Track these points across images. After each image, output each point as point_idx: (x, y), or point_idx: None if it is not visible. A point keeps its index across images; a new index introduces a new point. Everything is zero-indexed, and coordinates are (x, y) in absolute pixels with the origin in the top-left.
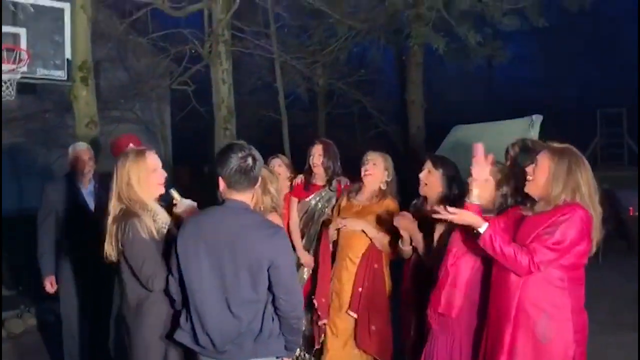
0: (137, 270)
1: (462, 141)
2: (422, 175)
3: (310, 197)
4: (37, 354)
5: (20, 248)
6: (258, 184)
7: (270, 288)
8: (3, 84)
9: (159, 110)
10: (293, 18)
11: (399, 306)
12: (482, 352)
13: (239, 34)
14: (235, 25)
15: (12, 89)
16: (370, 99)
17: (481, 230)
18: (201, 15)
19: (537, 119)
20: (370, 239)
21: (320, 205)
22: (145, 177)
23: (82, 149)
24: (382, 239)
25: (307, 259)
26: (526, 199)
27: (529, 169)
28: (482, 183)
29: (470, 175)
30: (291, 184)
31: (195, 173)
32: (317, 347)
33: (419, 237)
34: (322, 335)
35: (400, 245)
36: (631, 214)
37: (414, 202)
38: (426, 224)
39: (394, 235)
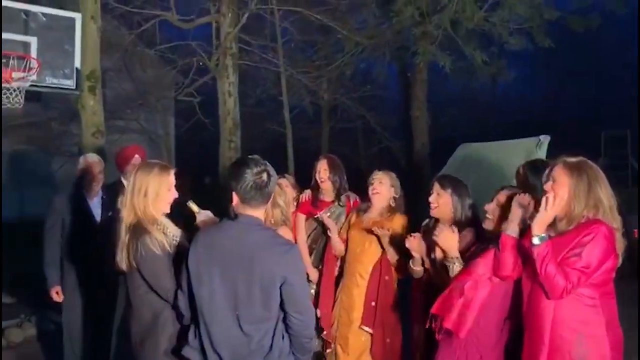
0: (156, 286)
1: (468, 159)
2: (431, 199)
3: (319, 214)
4: None
5: (21, 256)
6: (271, 199)
7: (282, 305)
8: (13, 91)
9: (164, 121)
10: (300, 33)
11: (408, 318)
12: None
13: (246, 47)
14: (243, 38)
15: (21, 97)
16: (374, 114)
17: (537, 241)
18: (209, 28)
19: (545, 139)
20: (382, 251)
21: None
22: (163, 194)
23: (94, 160)
24: (394, 255)
25: (315, 275)
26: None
27: (547, 187)
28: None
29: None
30: (297, 200)
31: (196, 184)
32: None
33: (428, 259)
34: (327, 350)
35: (411, 265)
36: (636, 236)
37: (426, 222)
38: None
39: (404, 254)
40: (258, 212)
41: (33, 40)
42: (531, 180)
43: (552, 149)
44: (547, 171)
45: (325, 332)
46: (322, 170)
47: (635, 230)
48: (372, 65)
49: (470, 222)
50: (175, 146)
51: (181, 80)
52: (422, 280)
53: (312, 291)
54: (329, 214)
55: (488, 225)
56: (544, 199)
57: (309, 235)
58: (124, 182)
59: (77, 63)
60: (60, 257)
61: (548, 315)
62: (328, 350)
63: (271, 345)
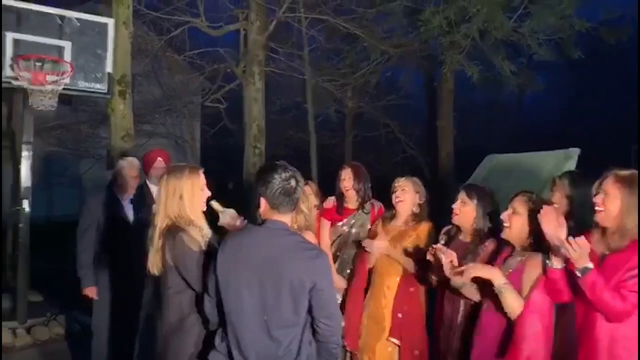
0: (195, 283)
1: (496, 170)
2: (455, 206)
3: (343, 222)
4: None
5: (49, 255)
6: (298, 205)
7: (310, 311)
8: (47, 94)
9: (190, 127)
10: (326, 41)
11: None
12: None
13: (272, 55)
14: (270, 46)
15: (54, 100)
16: (398, 123)
17: (580, 274)
18: (237, 35)
19: (574, 152)
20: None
21: (354, 230)
22: (197, 194)
23: (133, 165)
24: (409, 263)
25: (340, 283)
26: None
27: (597, 199)
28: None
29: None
30: (320, 207)
31: (219, 189)
32: None
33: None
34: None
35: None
36: None
37: (447, 228)
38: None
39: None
40: (286, 218)
41: (67, 45)
42: (569, 191)
43: (580, 162)
44: (596, 184)
45: (347, 343)
46: (347, 179)
47: None
48: (398, 74)
49: (491, 233)
50: (200, 151)
51: (208, 87)
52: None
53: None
54: (352, 222)
55: (505, 234)
56: (569, 245)
57: (332, 242)
58: (149, 184)
59: (109, 67)
60: (94, 258)
61: (605, 334)
62: None
63: (299, 350)
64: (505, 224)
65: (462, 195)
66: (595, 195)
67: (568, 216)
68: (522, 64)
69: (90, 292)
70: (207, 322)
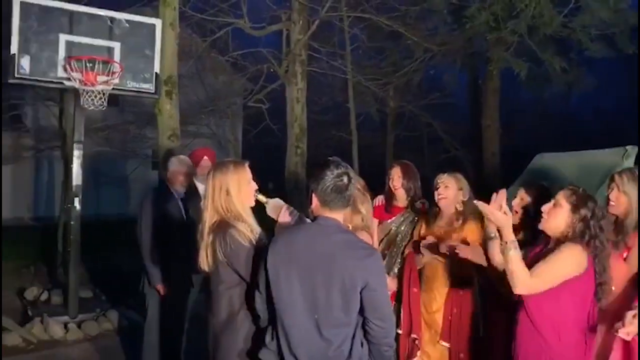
0: (247, 276)
1: (546, 169)
2: (515, 203)
3: (392, 220)
4: (114, 357)
5: (98, 252)
6: (351, 203)
7: (361, 311)
8: (97, 94)
9: (233, 127)
10: (369, 39)
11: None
12: None
13: (314, 54)
14: (312, 45)
15: (104, 100)
16: (441, 123)
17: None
18: (279, 36)
19: (633, 150)
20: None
21: (403, 228)
22: (244, 188)
23: (184, 163)
24: (483, 260)
25: (389, 282)
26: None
27: None
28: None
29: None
30: None
31: (261, 189)
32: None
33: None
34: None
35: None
36: None
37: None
38: None
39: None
40: (337, 215)
41: (116, 46)
42: (628, 187)
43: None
44: None
45: (414, 336)
46: (396, 177)
47: None
48: (442, 73)
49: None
50: (242, 151)
51: (250, 87)
52: (502, 296)
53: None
54: (401, 220)
55: (542, 225)
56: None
57: (380, 241)
58: (196, 182)
59: (156, 68)
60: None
61: None
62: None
63: (350, 351)
64: (544, 216)
65: (521, 193)
66: None
67: (627, 213)
68: (571, 60)
69: (161, 288)
70: (257, 318)
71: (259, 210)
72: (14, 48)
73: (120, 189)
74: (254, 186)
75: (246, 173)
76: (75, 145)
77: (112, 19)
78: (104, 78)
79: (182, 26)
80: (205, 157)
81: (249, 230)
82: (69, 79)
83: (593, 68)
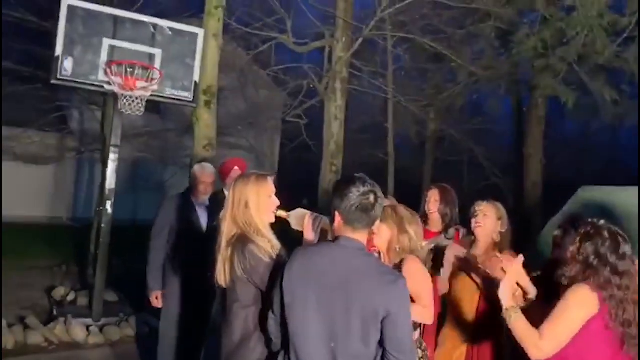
0: (267, 291)
1: (592, 204)
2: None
3: (424, 244)
4: None
5: (131, 257)
6: (377, 224)
7: (381, 342)
8: (135, 99)
9: (270, 141)
10: (412, 60)
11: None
12: None
13: (356, 73)
14: (354, 64)
15: (142, 106)
16: (482, 149)
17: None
18: (321, 52)
19: None
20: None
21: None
22: (263, 202)
23: (209, 172)
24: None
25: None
26: None
27: None
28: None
29: None
30: None
31: (294, 205)
32: None
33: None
34: None
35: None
36: None
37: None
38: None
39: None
40: (361, 236)
41: (158, 53)
42: None
43: None
44: None
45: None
46: (433, 201)
47: None
48: (485, 98)
49: None
50: (278, 165)
51: (290, 102)
52: None
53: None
54: (432, 245)
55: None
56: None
57: None
58: (226, 193)
59: (196, 77)
60: (164, 263)
61: None
62: None
63: None
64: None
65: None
66: None
67: None
68: (622, 92)
69: (155, 296)
70: (270, 341)
71: (282, 225)
72: (58, 50)
73: (157, 195)
74: (276, 202)
75: (267, 186)
76: (111, 149)
77: (155, 26)
78: (143, 84)
79: (227, 39)
80: (236, 168)
81: (269, 245)
82: (109, 83)
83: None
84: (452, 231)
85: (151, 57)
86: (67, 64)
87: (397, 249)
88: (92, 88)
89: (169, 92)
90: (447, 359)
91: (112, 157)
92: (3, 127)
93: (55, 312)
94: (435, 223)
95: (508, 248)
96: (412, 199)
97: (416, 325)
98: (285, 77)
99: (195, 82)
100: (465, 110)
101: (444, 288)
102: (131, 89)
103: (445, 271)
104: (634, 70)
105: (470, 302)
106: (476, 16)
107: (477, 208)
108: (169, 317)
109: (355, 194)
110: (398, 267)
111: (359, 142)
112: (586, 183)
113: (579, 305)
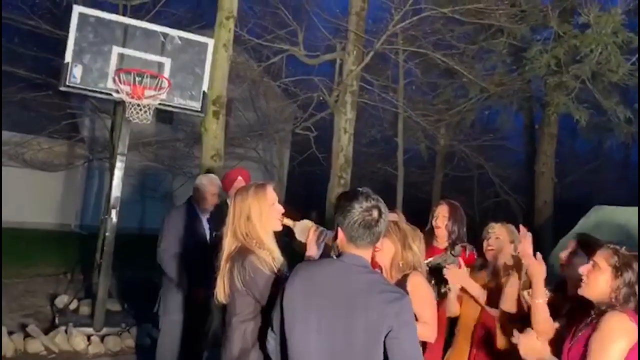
0: (266, 304)
1: (604, 223)
2: (562, 255)
3: (428, 260)
4: None
5: (138, 266)
6: (380, 240)
7: None
8: (142, 108)
9: (280, 152)
10: (423, 75)
11: None
12: None
13: (366, 86)
14: (365, 77)
15: (149, 114)
16: (493, 165)
17: None
18: (332, 65)
19: None
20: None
21: (440, 261)
22: (266, 212)
23: (212, 182)
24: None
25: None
26: None
27: None
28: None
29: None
30: None
31: (303, 217)
32: None
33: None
34: None
35: None
36: None
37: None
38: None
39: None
40: (364, 253)
41: (167, 62)
42: None
43: None
44: None
45: None
46: (441, 217)
47: None
48: (496, 114)
49: None
50: (287, 177)
51: (300, 114)
52: None
53: None
54: (438, 262)
55: (583, 291)
56: None
57: None
58: (229, 203)
59: (205, 87)
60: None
61: None
62: None
63: None
64: (583, 279)
65: (572, 245)
66: None
67: None
68: (636, 110)
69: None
70: (268, 359)
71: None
72: (68, 57)
73: (165, 204)
74: (279, 209)
75: (268, 196)
76: (118, 157)
77: (165, 35)
78: (152, 92)
79: (239, 50)
80: (240, 178)
81: (270, 257)
82: (117, 91)
83: None
84: (458, 249)
85: (160, 66)
86: (76, 71)
87: (400, 265)
88: (101, 96)
89: (177, 101)
90: None
91: (119, 165)
92: (13, 133)
93: (57, 321)
94: (442, 239)
95: (518, 269)
96: (421, 214)
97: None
98: (296, 90)
99: (204, 92)
100: (476, 126)
101: (454, 310)
102: (139, 98)
103: (454, 293)
104: None
105: (473, 322)
106: (489, 32)
107: (489, 230)
108: (167, 330)
109: (357, 209)
110: (401, 282)
111: (368, 156)
112: (598, 202)
113: (620, 336)
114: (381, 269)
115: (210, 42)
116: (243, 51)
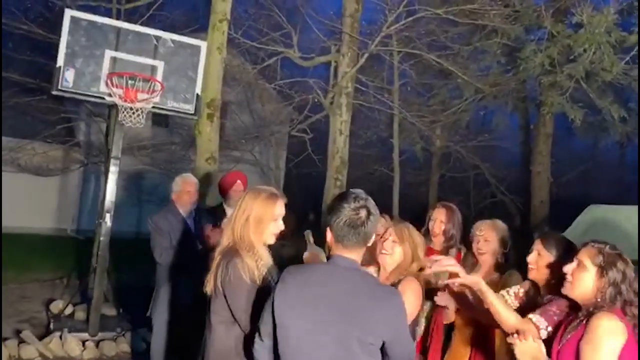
0: (241, 318)
1: (600, 222)
2: (530, 258)
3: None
4: None
5: (134, 270)
6: (371, 241)
7: None
8: (135, 111)
9: (276, 155)
10: (418, 76)
11: None
12: None
13: (361, 88)
14: (359, 78)
15: (143, 118)
16: (489, 166)
17: None
18: (327, 67)
19: None
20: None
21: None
22: (265, 222)
23: (187, 181)
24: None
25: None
26: None
27: None
28: None
29: None
30: None
31: (300, 220)
32: None
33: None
34: None
35: None
36: None
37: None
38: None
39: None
40: (354, 254)
41: (160, 65)
42: None
43: None
44: None
45: None
46: (438, 221)
47: None
48: (491, 114)
49: None
50: (284, 180)
51: (295, 116)
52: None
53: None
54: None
55: (566, 290)
56: None
57: None
58: (225, 207)
59: (198, 90)
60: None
61: None
62: None
63: None
64: (568, 279)
65: (537, 245)
66: None
67: None
68: (630, 109)
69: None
70: None
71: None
72: (60, 61)
73: (160, 207)
74: (280, 226)
75: (275, 208)
76: (112, 161)
77: (157, 38)
78: (145, 96)
79: (234, 53)
80: (239, 181)
81: (255, 264)
82: (110, 95)
83: None
84: (453, 252)
85: (153, 69)
86: (69, 75)
87: (403, 274)
88: (93, 99)
89: (170, 104)
90: None
91: (113, 169)
92: (9, 138)
93: (52, 326)
94: (438, 242)
95: (512, 269)
96: (417, 214)
97: None
98: (291, 92)
99: (198, 94)
100: (472, 126)
101: (452, 317)
102: (132, 101)
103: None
104: None
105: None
106: (483, 33)
107: (477, 233)
108: (159, 334)
109: (346, 209)
110: (395, 284)
111: (364, 157)
112: (594, 201)
113: (612, 336)
114: (378, 270)
115: (203, 44)
116: (238, 54)
